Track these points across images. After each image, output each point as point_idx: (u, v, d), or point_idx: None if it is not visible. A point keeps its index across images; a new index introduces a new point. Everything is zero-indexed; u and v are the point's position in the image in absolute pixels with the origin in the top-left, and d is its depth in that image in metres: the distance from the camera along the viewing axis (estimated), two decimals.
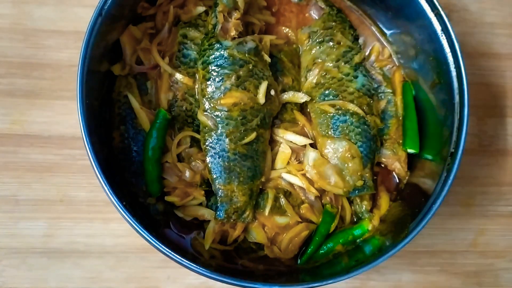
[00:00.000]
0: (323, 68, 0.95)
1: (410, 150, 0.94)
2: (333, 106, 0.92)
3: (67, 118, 0.97)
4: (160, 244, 0.75)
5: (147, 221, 0.85)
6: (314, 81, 0.95)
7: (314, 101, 0.94)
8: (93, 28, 0.79)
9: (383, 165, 0.96)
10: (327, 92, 0.93)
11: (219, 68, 0.86)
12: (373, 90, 0.96)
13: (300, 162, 0.91)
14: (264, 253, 0.90)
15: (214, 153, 0.86)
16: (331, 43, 0.96)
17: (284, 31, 1.01)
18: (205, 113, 0.86)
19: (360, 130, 0.91)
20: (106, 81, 0.90)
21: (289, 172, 0.90)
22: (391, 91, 0.98)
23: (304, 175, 0.89)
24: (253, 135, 0.86)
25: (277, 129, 0.92)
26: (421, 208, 0.83)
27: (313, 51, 0.97)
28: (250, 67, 0.87)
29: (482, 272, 1.04)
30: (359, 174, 0.89)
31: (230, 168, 0.85)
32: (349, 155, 0.89)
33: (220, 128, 0.85)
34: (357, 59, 0.95)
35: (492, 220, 1.05)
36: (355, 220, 0.94)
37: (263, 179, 0.88)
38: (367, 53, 1.01)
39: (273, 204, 0.89)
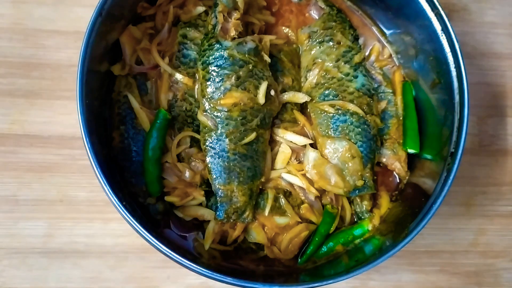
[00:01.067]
0: (323, 68, 0.95)
1: (410, 150, 0.94)
2: (333, 106, 0.91)
3: (67, 118, 0.97)
4: (160, 244, 0.75)
5: (147, 221, 0.85)
6: (314, 81, 0.95)
7: (314, 101, 0.94)
8: (92, 28, 0.79)
9: (383, 165, 0.96)
10: (327, 92, 0.93)
11: (219, 69, 0.85)
12: (373, 90, 0.96)
13: (300, 162, 0.91)
14: (264, 254, 0.90)
15: (214, 153, 0.86)
16: (331, 43, 0.96)
17: (284, 31, 1.01)
18: (205, 113, 0.86)
19: (360, 130, 0.91)
20: (106, 81, 0.90)
21: (289, 172, 0.90)
22: (391, 91, 0.98)
23: (304, 175, 0.89)
24: (253, 135, 0.86)
25: (277, 129, 0.91)
26: (421, 208, 0.83)
27: (313, 51, 0.97)
28: (250, 67, 0.86)
29: (482, 272, 1.04)
30: (359, 174, 0.89)
31: (230, 168, 0.85)
32: (349, 155, 0.89)
33: (220, 128, 0.85)
34: (357, 59, 0.95)
35: (492, 220, 1.05)
36: (355, 220, 0.94)
37: (263, 179, 0.88)
38: (367, 53, 1.01)
39: (273, 204, 0.88)
